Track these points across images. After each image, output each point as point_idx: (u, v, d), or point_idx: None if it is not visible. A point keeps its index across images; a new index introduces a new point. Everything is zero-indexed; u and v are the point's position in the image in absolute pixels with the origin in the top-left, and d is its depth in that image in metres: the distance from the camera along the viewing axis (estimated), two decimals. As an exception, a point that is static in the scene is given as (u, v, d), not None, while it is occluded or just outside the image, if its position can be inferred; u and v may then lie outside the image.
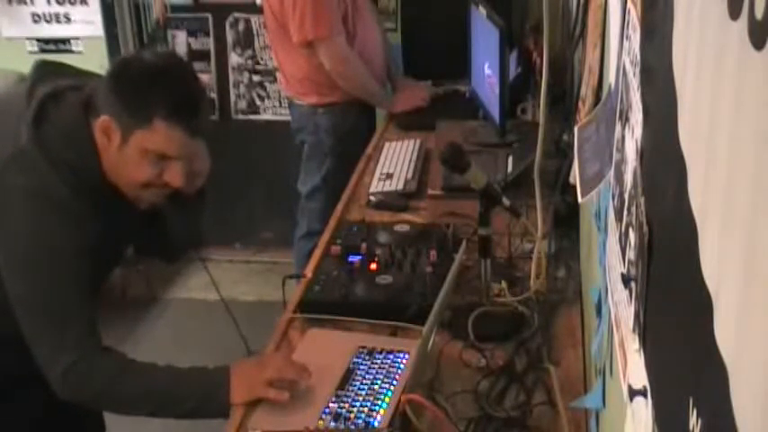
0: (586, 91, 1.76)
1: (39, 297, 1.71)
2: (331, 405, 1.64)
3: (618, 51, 1.13)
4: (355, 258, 2.09)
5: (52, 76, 1.82)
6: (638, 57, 0.91)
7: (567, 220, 2.11)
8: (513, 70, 3.07)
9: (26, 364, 1.73)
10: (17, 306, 1.71)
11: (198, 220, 2.01)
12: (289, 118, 3.59)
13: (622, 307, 0.92)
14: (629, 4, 1.01)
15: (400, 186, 2.60)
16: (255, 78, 4.19)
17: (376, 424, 1.59)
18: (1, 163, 1.73)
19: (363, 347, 1.81)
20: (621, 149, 1.00)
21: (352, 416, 1.61)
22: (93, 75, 1.91)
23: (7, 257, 1.72)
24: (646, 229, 0.77)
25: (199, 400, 1.71)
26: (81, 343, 1.71)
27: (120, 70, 1.77)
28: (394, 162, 2.76)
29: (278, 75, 3.92)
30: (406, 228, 2.29)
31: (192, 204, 1.92)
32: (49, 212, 1.69)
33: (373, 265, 2.06)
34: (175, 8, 4.13)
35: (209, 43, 4.18)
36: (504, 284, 1.97)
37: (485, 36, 2.81)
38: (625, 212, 0.93)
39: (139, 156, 1.70)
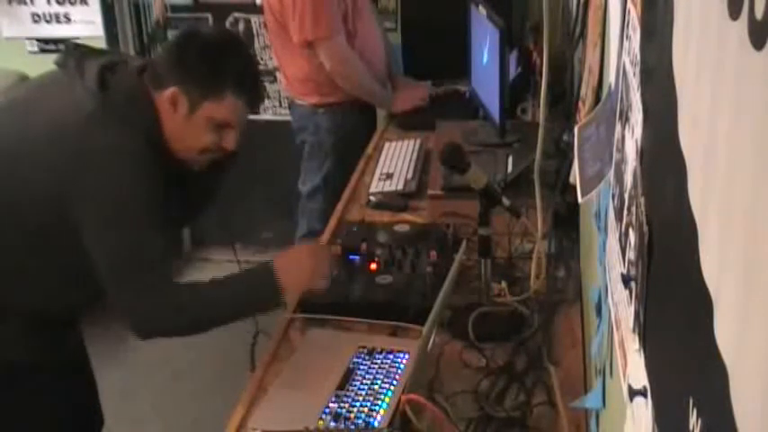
0: (586, 91, 1.76)
1: (131, 246, 1.78)
2: (331, 405, 1.64)
3: (618, 51, 1.13)
4: (355, 258, 2.09)
5: (93, 53, 1.90)
6: (638, 57, 0.91)
7: (567, 220, 2.11)
8: (513, 70, 3.07)
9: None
10: (104, 256, 1.78)
11: (224, 177, 2.08)
12: (289, 118, 3.59)
13: (622, 307, 0.92)
14: (629, 4, 1.00)
15: (400, 186, 2.60)
16: (255, 78, 4.18)
17: (376, 424, 1.59)
18: (73, 130, 1.76)
19: (363, 347, 1.81)
20: (621, 149, 1.00)
21: (352, 416, 1.61)
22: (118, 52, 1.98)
23: (99, 213, 1.76)
24: (646, 229, 0.77)
25: (258, 307, 1.90)
26: (165, 282, 1.83)
27: (187, 44, 1.85)
28: (394, 162, 2.76)
29: (278, 75, 3.92)
30: (406, 228, 2.29)
31: (225, 162, 1.99)
32: (134, 167, 1.76)
33: (373, 265, 2.06)
34: (175, 8, 4.13)
35: (210, 43, 4.17)
36: (504, 284, 1.97)
37: (485, 36, 2.81)
38: (625, 212, 0.93)
39: (204, 125, 1.82)
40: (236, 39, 2.02)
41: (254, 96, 1.91)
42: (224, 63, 1.81)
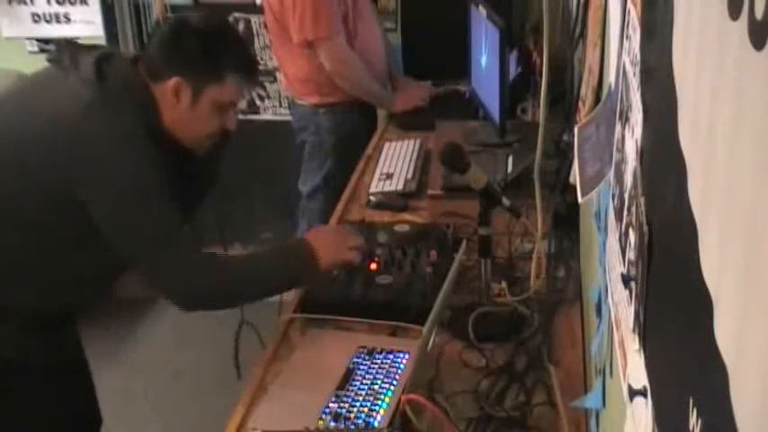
0: (586, 91, 1.76)
1: (148, 225, 1.79)
2: (331, 405, 1.64)
3: (618, 51, 1.13)
4: (355, 258, 2.09)
5: (85, 48, 1.91)
6: (638, 57, 0.91)
7: (567, 220, 2.11)
8: (513, 70, 3.07)
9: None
10: (127, 241, 1.79)
11: (222, 159, 2.08)
12: (289, 118, 3.59)
13: (622, 307, 0.92)
14: (629, 4, 1.01)
15: (400, 186, 2.60)
16: (255, 78, 4.18)
17: (376, 424, 1.59)
18: (72, 121, 1.76)
19: (363, 347, 1.81)
20: (621, 149, 1.00)
21: (352, 416, 1.61)
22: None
23: (112, 199, 1.77)
24: (646, 229, 0.77)
25: (294, 280, 1.95)
26: (196, 252, 1.86)
27: (180, 34, 1.85)
28: (394, 162, 2.76)
29: (279, 75, 3.92)
30: (406, 228, 2.29)
31: (221, 143, 2.00)
32: (137, 150, 1.77)
33: (373, 265, 2.06)
34: (175, 8, 4.13)
35: (210, 43, 4.17)
36: (504, 284, 1.97)
37: (485, 36, 2.81)
38: (625, 212, 0.93)
39: (209, 109, 1.85)
40: (224, 21, 2.09)
41: (253, 72, 1.95)
42: (220, 46, 1.84)
